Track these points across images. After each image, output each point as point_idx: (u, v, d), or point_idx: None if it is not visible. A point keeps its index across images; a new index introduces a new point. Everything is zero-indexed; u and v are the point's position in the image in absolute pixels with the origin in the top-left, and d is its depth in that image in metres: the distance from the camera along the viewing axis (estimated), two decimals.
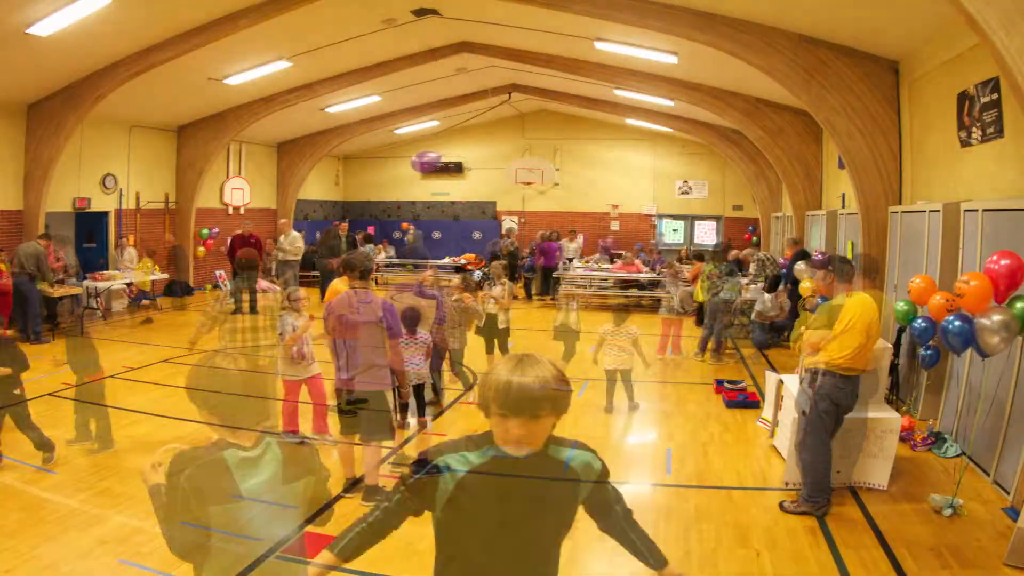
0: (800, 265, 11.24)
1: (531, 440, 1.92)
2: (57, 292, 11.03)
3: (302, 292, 6.35)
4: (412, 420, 6.69)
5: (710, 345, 10.08)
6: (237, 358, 2.35)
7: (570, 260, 17.36)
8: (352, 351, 4.87)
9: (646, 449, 6.55)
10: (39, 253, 10.55)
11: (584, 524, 4.80)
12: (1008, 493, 5.01)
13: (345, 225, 17.34)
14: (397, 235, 21.54)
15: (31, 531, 4.44)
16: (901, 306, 6.14)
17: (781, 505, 5.01)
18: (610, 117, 19.17)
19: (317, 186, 21.86)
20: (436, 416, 7.26)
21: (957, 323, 4.81)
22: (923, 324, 5.92)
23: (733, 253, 17.05)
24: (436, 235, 22.05)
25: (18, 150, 12.06)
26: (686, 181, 21.04)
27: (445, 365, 7.72)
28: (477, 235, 21.33)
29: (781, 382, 6.37)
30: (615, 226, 21.17)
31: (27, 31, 9.07)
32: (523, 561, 2.03)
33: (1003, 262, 4.60)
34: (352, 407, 4.90)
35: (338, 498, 5.03)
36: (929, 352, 6.35)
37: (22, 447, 5.66)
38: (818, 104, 8.85)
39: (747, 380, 8.73)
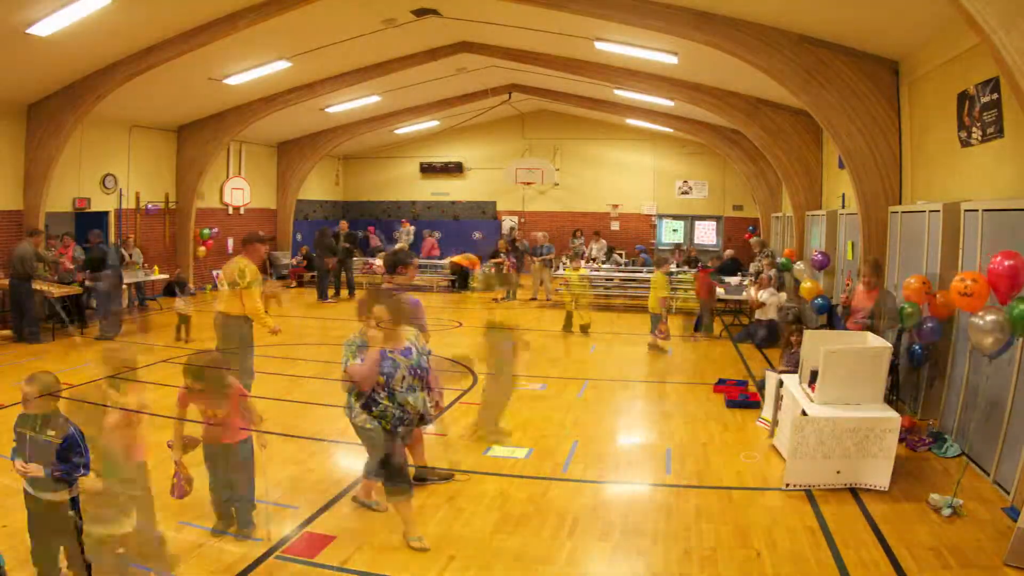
0: (800, 265, 11.26)
1: None
2: (58, 292, 11.01)
3: None
4: None
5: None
6: None
7: (593, 259, 17.46)
8: None
9: (646, 449, 6.55)
10: (25, 253, 10.50)
11: (585, 524, 4.80)
12: (1008, 493, 5.01)
13: (344, 224, 17.43)
14: (397, 234, 21.49)
15: None
16: (907, 309, 6.12)
17: None
18: (610, 117, 19.17)
19: (317, 186, 21.86)
20: (436, 416, 7.25)
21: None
22: (931, 326, 5.96)
23: (728, 252, 17.13)
24: (436, 235, 22.01)
25: (18, 150, 12.06)
26: (686, 181, 21.04)
27: None
28: (477, 235, 21.32)
29: (781, 382, 6.37)
30: (615, 226, 21.17)
31: (27, 31, 9.06)
32: None
33: (1006, 262, 4.61)
34: None
35: None
36: (920, 349, 6.38)
37: None
38: (818, 104, 8.84)
39: (748, 379, 8.73)
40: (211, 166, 16.06)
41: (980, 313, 4.75)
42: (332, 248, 15.86)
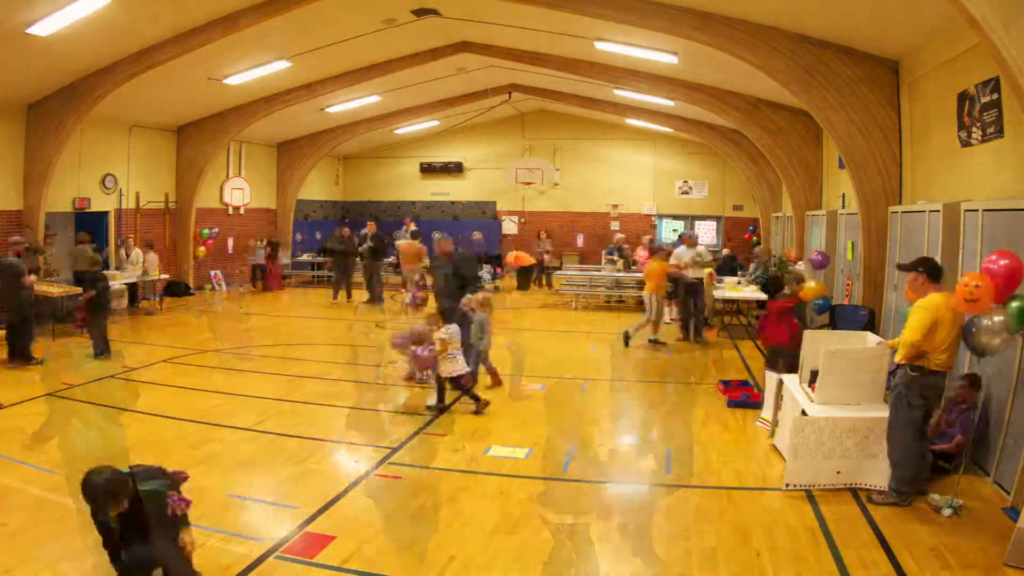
0: (801, 265, 11.25)
1: None
2: (57, 292, 11.00)
3: None
4: None
5: None
6: None
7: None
8: None
9: (646, 449, 6.55)
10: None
11: (585, 524, 4.80)
12: (1008, 493, 5.01)
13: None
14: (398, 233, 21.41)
15: (31, 531, 4.43)
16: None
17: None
18: (610, 117, 19.18)
19: (317, 186, 21.86)
20: (437, 416, 7.26)
21: None
22: None
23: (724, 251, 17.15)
24: (436, 235, 22.03)
25: (18, 150, 12.06)
26: (686, 181, 21.05)
27: None
28: (477, 235, 21.31)
29: (781, 382, 6.37)
30: (615, 226, 21.18)
31: (27, 31, 9.06)
32: None
33: (1002, 262, 4.60)
34: None
35: None
36: None
37: (24, 448, 5.64)
38: (818, 104, 8.85)
39: (749, 379, 8.73)
40: (211, 166, 16.06)
41: (988, 313, 4.73)
42: (344, 250, 15.87)
